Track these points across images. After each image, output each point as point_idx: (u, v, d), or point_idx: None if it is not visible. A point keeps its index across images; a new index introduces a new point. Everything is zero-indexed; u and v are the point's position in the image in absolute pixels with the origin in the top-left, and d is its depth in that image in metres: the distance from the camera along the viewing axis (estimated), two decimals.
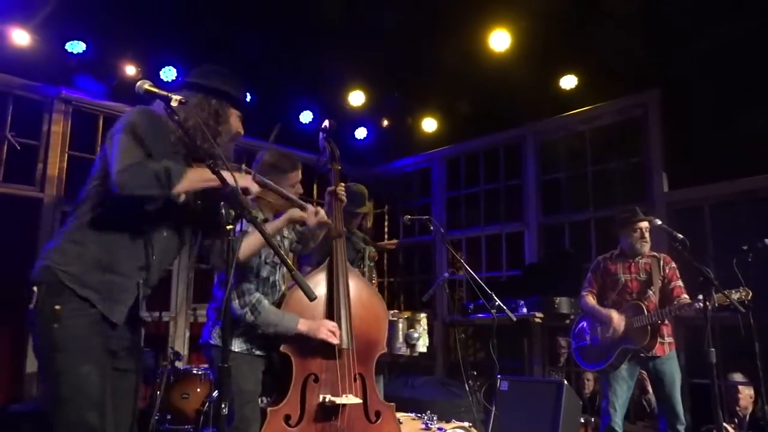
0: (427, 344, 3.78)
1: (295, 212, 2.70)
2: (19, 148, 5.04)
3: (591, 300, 4.01)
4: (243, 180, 1.98)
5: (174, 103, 1.76)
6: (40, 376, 1.74)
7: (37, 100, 5.22)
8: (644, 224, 3.88)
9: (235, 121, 2.19)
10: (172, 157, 1.97)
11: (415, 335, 3.65)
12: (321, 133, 3.33)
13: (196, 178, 1.90)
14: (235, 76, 2.22)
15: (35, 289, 1.84)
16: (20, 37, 4.69)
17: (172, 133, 1.99)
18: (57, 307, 1.80)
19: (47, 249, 1.92)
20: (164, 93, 1.80)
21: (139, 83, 1.83)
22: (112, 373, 1.96)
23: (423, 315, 3.81)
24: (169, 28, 5.16)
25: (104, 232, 1.91)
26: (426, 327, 3.79)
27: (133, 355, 2.05)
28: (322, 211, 2.76)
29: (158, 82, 5.28)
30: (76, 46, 4.95)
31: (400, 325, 3.70)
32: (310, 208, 2.73)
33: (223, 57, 5.61)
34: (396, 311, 3.86)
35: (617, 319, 3.78)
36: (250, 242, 2.52)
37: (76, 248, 1.88)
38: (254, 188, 2.03)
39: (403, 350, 3.66)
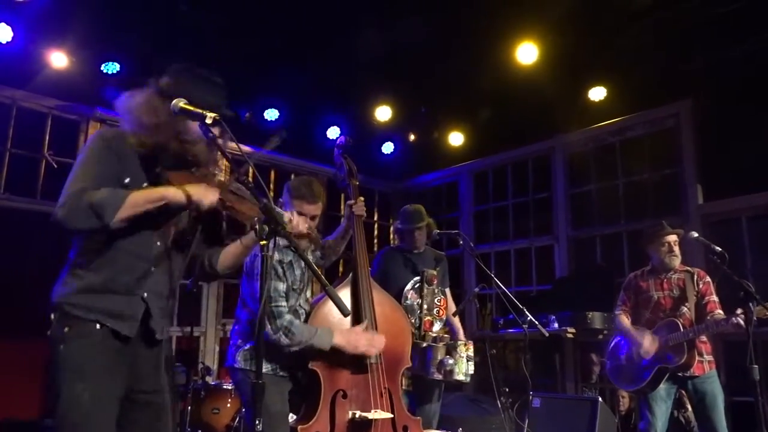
0: (470, 372, 3.52)
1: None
2: (56, 166, 5.18)
3: (624, 320, 3.93)
4: (199, 191, 1.85)
5: (209, 121, 1.78)
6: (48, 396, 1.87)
7: (73, 119, 5.37)
8: (672, 237, 3.80)
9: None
10: (142, 172, 1.94)
11: (450, 362, 3.46)
12: (336, 150, 3.28)
13: (139, 202, 1.82)
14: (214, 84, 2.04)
15: (52, 316, 1.91)
16: (58, 59, 4.84)
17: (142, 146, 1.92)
18: (66, 329, 1.86)
19: (56, 284, 1.97)
20: (199, 111, 1.81)
21: (174, 101, 1.85)
22: (138, 397, 1.95)
23: (461, 342, 3.57)
24: (198, 47, 5.27)
25: (98, 255, 1.92)
26: (466, 354, 3.52)
27: (158, 373, 2.02)
28: (296, 219, 2.30)
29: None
30: (111, 67, 5.09)
31: (438, 353, 3.51)
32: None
33: (253, 74, 5.73)
34: (441, 335, 3.68)
35: (647, 345, 3.70)
36: (228, 251, 2.14)
37: (75, 279, 1.92)
38: (207, 201, 1.86)
39: (437, 375, 3.49)
